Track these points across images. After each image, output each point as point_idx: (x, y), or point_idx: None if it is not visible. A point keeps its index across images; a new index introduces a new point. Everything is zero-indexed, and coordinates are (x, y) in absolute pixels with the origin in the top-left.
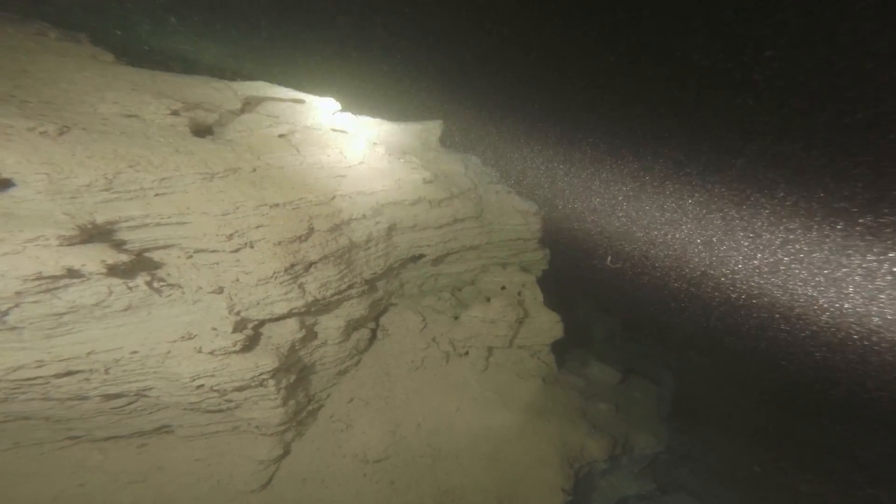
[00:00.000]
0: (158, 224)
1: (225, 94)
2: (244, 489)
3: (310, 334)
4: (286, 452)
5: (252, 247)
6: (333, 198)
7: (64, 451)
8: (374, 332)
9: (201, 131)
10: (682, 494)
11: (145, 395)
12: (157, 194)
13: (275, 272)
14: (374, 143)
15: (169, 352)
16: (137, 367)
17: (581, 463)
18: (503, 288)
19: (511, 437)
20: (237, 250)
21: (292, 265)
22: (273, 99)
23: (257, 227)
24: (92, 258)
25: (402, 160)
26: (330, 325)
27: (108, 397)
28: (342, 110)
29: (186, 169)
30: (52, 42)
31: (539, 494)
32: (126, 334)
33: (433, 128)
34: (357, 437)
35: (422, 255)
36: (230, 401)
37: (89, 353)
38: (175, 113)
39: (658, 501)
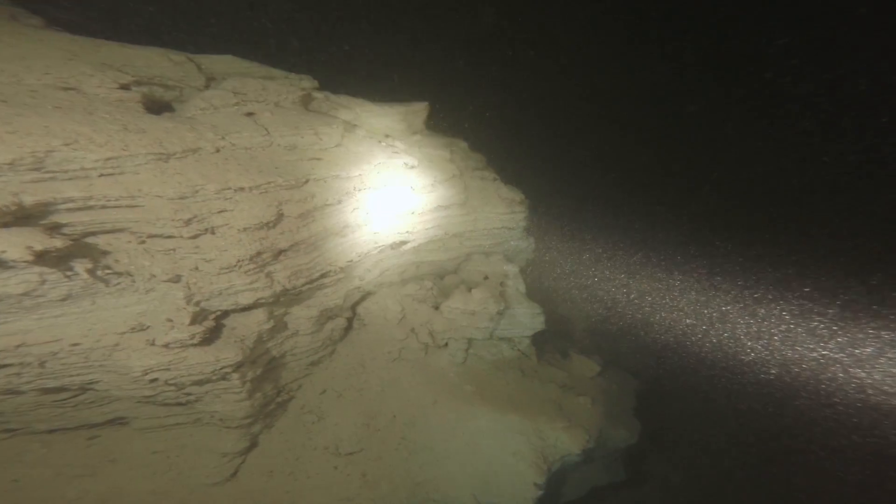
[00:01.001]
0: (105, 206)
1: (185, 67)
2: (206, 482)
3: (279, 325)
4: (253, 445)
5: (213, 233)
6: (306, 182)
7: (5, 443)
8: (350, 321)
9: (157, 108)
10: (652, 484)
11: (91, 389)
12: (101, 175)
13: (239, 260)
14: (354, 125)
15: (117, 344)
16: (80, 360)
17: (555, 457)
18: (486, 278)
19: (487, 431)
20: (196, 236)
21: (259, 253)
22: (242, 75)
23: (220, 212)
24: (14, 244)
25: (382, 143)
26: (301, 314)
27: (46, 391)
28: (319, 88)
29: (137, 148)
30: None
31: (512, 488)
32: (65, 325)
33: (418, 110)
34: (329, 430)
35: (403, 242)
36: (189, 394)
37: (18, 346)
38: (125, 87)
39: (629, 490)
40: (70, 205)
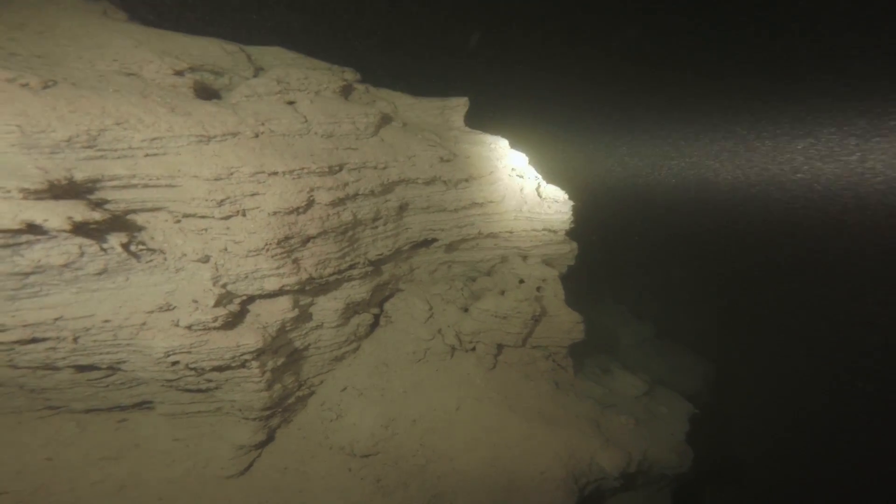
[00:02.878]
0: (147, 185)
1: (237, 57)
2: (221, 474)
3: (304, 315)
4: (269, 439)
5: (244, 215)
6: (340, 170)
7: (41, 422)
8: (377, 317)
9: (207, 94)
10: None
11: (120, 369)
12: (146, 154)
13: (266, 244)
14: (390, 117)
15: (144, 323)
16: (109, 337)
17: (588, 479)
18: (521, 282)
19: (513, 444)
20: (227, 217)
21: (287, 238)
22: (287, 65)
23: (252, 195)
24: (57, 213)
25: (419, 136)
26: (327, 306)
27: (80, 368)
28: (361, 81)
29: (180, 130)
30: None
31: None
32: (100, 301)
33: (457, 105)
34: (346, 429)
35: (434, 240)
36: (210, 380)
37: (56, 320)
38: (179, 73)
39: None
40: (115, 182)
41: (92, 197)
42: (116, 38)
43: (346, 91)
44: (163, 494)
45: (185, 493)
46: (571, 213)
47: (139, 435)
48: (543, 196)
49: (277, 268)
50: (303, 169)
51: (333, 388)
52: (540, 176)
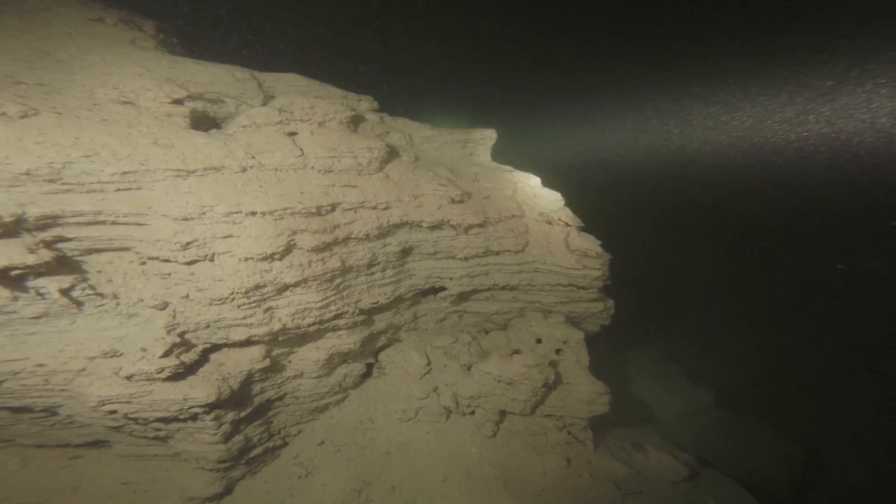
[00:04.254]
0: (114, 223)
1: (247, 84)
2: None
3: (279, 365)
4: (227, 491)
5: (212, 260)
6: (333, 210)
7: None
8: (369, 367)
9: (206, 124)
10: None
11: (56, 413)
12: (118, 189)
13: (232, 293)
14: (404, 150)
15: (84, 369)
16: (40, 381)
17: None
18: (538, 341)
19: None
20: (192, 262)
21: (257, 287)
22: (300, 93)
23: (224, 238)
24: None
25: (430, 173)
26: (308, 356)
27: (14, 409)
28: (378, 110)
29: (156, 163)
30: (100, 26)
31: None
32: (36, 344)
33: (482, 138)
34: (314, 489)
35: (442, 288)
36: (158, 430)
37: None
38: (177, 102)
39: None
40: (79, 218)
41: (46, 234)
42: (127, 66)
43: (355, 122)
44: None
45: None
46: (604, 269)
47: (84, 475)
48: (573, 248)
49: (244, 318)
50: (285, 209)
51: (310, 440)
52: (574, 221)
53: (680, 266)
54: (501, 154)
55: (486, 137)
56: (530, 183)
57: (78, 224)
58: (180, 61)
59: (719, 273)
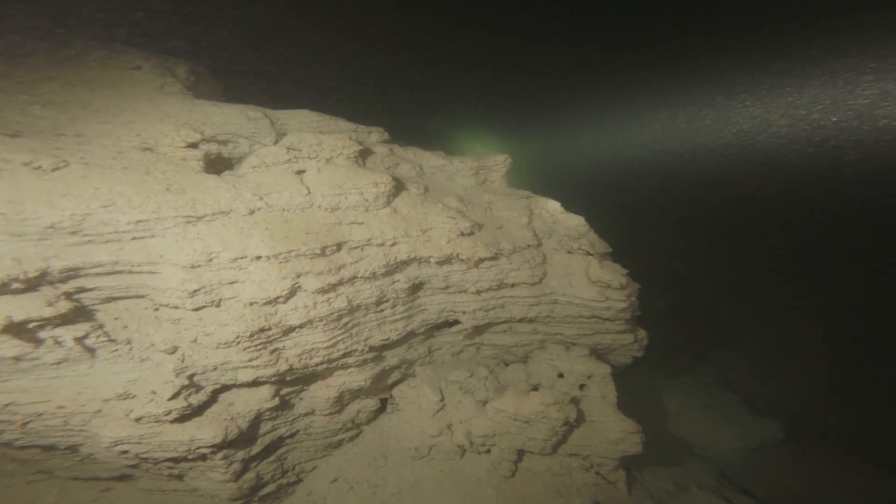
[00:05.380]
0: (131, 272)
1: (260, 124)
2: None
3: (289, 403)
4: None
5: (218, 306)
6: (339, 249)
7: (28, 486)
8: (384, 402)
9: (220, 165)
10: None
11: (79, 451)
12: (133, 238)
13: (238, 337)
14: (412, 182)
15: (100, 410)
16: (59, 423)
17: None
18: (560, 376)
19: None
20: (199, 308)
21: (262, 330)
22: (311, 129)
23: (231, 284)
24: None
25: (439, 205)
26: (318, 394)
27: (43, 448)
28: (388, 141)
29: (167, 210)
30: (139, 74)
31: None
32: (59, 387)
33: (495, 164)
34: None
35: (455, 322)
36: (171, 468)
37: (7, 405)
38: (193, 146)
39: None
40: (99, 269)
41: (68, 286)
42: (151, 112)
43: (363, 155)
44: None
45: None
46: (630, 300)
47: None
48: (594, 279)
49: (250, 360)
50: (290, 252)
51: (324, 477)
52: (598, 248)
53: (738, 279)
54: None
55: (500, 163)
56: (549, 208)
57: (98, 275)
58: (199, 104)
59: (785, 285)
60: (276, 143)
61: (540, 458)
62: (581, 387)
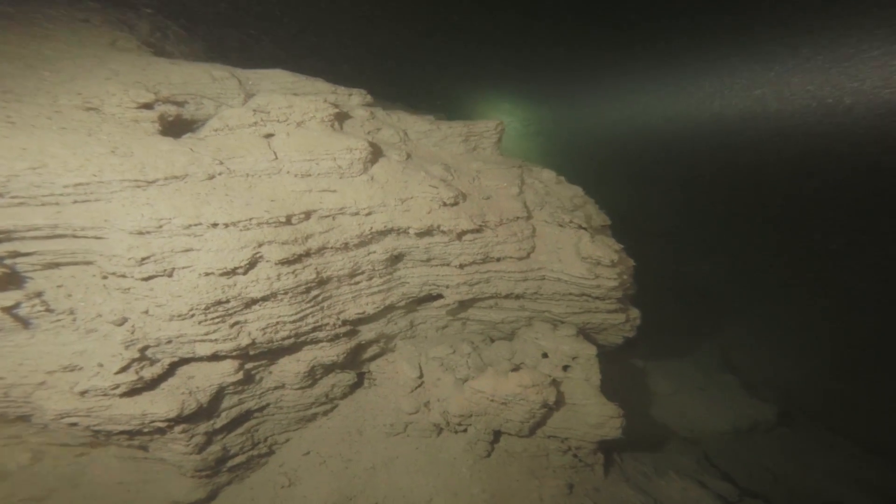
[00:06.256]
0: (74, 236)
1: (226, 84)
2: None
3: (254, 377)
4: (211, 496)
5: (170, 275)
6: (307, 218)
7: (5, 448)
8: (361, 376)
9: (180, 128)
10: None
11: (28, 421)
12: (75, 201)
13: (192, 309)
14: (395, 148)
15: (43, 382)
16: (1, 395)
17: None
18: (545, 355)
19: None
20: (150, 278)
21: (219, 302)
22: (285, 90)
23: (185, 252)
24: None
25: (422, 173)
26: (288, 368)
27: None
28: (371, 104)
29: (111, 174)
30: (85, 28)
31: None
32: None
33: (486, 130)
34: (295, 501)
35: (438, 296)
36: (130, 440)
37: None
38: (146, 106)
39: None
40: (35, 232)
41: (2, 249)
42: (96, 69)
43: (340, 119)
44: None
45: None
46: (622, 278)
47: (85, 473)
48: (584, 255)
49: (207, 333)
50: (251, 220)
51: (297, 450)
52: (593, 222)
53: (744, 254)
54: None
55: (491, 130)
56: (542, 178)
57: (35, 238)
58: (155, 62)
59: (791, 263)
60: (244, 104)
61: (517, 440)
62: (565, 368)
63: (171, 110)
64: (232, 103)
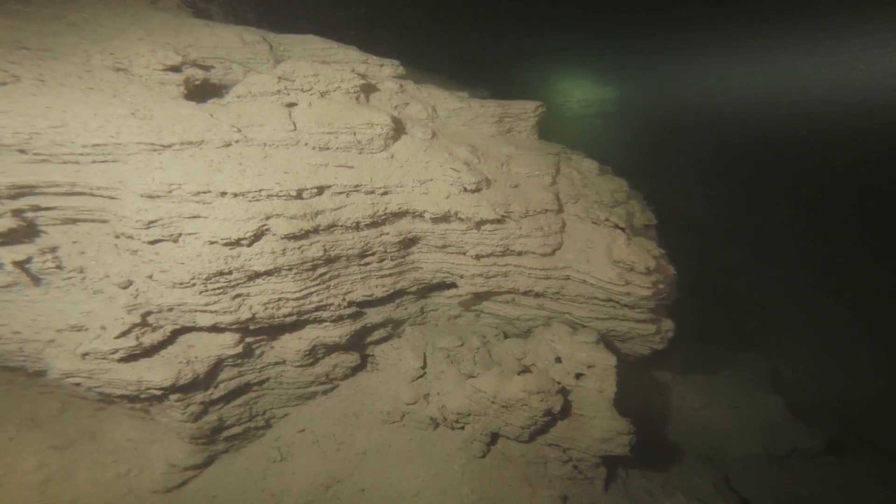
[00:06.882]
0: (91, 195)
1: (256, 49)
2: (148, 486)
3: (254, 351)
4: (207, 462)
5: (176, 241)
6: (319, 194)
7: (33, 398)
8: (365, 359)
9: (206, 92)
10: None
11: (44, 376)
12: (94, 161)
13: (193, 277)
14: (421, 125)
15: (53, 340)
16: (16, 349)
17: None
18: (558, 360)
19: None
20: (155, 242)
21: (220, 273)
22: (316, 58)
23: (192, 218)
24: None
25: (445, 154)
26: (290, 345)
27: (9, 369)
28: (403, 77)
29: (128, 136)
30: None
31: None
32: (13, 312)
33: (522, 112)
34: (285, 476)
35: (452, 286)
36: (130, 404)
37: None
38: (173, 69)
39: None
40: (56, 189)
41: (20, 203)
42: (131, 29)
43: (366, 91)
44: (78, 497)
45: (99, 501)
46: (658, 288)
47: (102, 427)
48: (616, 258)
49: (207, 304)
50: (260, 191)
51: (293, 426)
52: (634, 221)
53: (812, 261)
54: None
55: (528, 112)
56: (582, 168)
57: (56, 195)
58: (189, 24)
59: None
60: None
61: (515, 444)
62: (578, 376)
63: (198, 74)
64: (261, 69)
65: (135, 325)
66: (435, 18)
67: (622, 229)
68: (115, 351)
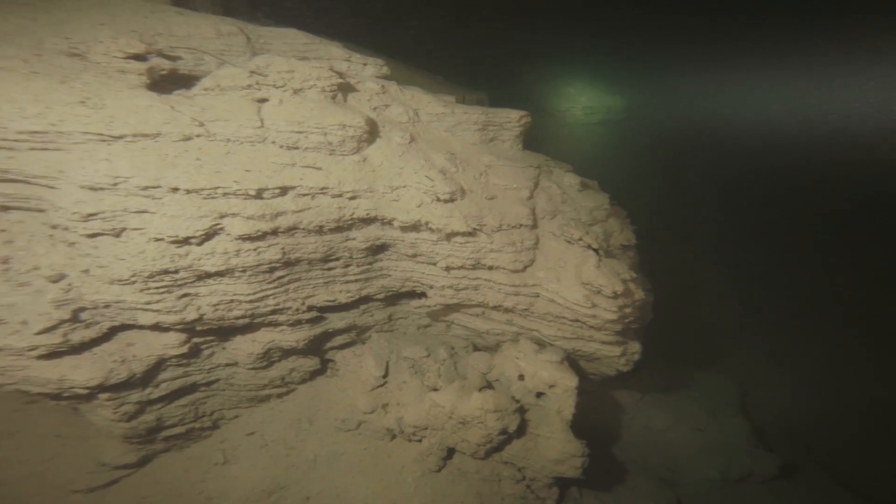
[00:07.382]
0: (27, 182)
1: (232, 41)
2: (70, 486)
3: (202, 352)
4: (143, 462)
5: (118, 236)
6: (282, 195)
7: None
8: (325, 363)
9: (174, 84)
10: None
11: None
12: (31, 148)
13: (134, 275)
14: (399, 129)
15: None
16: None
17: None
18: (521, 377)
19: None
20: (94, 235)
21: (165, 272)
22: (295, 52)
23: (138, 213)
24: None
25: (422, 160)
26: (241, 347)
27: None
28: (386, 77)
29: (73, 125)
30: None
31: None
32: None
33: (506, 121)
34: (224, 480)
35: (420, 295)
36: (55, 401)
37: None
38: (136, 57)
39: None
40: None
41: None
42: (93, 12)
43: (344, 90)
44: None
45: (11, 500)
46: (624, 312)
47: (27, 422)
48: (584, 280)
49: (148, 303)
50: (216, 189)
51: (242, 428)
52: (608, 242)
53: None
54: None
55: (513, 121)
56: (563, 182)
57: None
58: (161, 10)
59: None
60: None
61: (471, 460)
62: (539, 395)
63: (165, 64)
64: (236, 62)
65: (63, 321)
66: (438, 15)
67: (595, 250)
68: (34, 348)
